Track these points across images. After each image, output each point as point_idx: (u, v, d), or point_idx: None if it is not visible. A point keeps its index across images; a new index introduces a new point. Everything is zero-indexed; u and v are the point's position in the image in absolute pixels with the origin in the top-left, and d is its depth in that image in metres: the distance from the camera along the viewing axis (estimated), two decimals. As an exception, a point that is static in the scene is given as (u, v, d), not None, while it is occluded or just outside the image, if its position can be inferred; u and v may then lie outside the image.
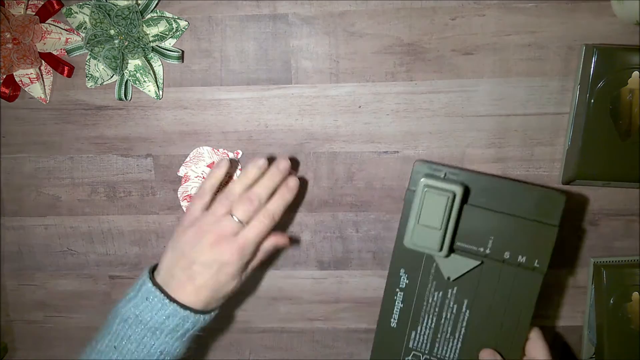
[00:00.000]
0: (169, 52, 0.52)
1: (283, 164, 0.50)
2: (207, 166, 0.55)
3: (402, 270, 0.50)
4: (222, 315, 0.61)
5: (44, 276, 0.61)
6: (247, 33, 0.52)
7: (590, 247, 0.56)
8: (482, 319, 0.49)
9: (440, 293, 0.49)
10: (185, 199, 0.57)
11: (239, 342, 0.62)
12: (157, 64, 0.53)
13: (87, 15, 0.50)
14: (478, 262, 0.47)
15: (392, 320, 0.51)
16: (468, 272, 0.48)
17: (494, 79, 0.52)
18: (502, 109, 0.53)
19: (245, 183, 0.49)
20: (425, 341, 0.51)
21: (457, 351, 0.50)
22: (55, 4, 0.51)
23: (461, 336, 0.50)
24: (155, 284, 0.47)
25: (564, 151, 0.53)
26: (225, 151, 0.55)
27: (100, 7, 0.49)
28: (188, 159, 0.56)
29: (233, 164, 0.53)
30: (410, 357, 0.51)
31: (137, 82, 0.53)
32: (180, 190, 0.57)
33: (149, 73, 0.52)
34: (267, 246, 0.51)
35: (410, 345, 0.51)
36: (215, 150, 0.55)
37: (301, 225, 0.58)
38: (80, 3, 0.50)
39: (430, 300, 0.49)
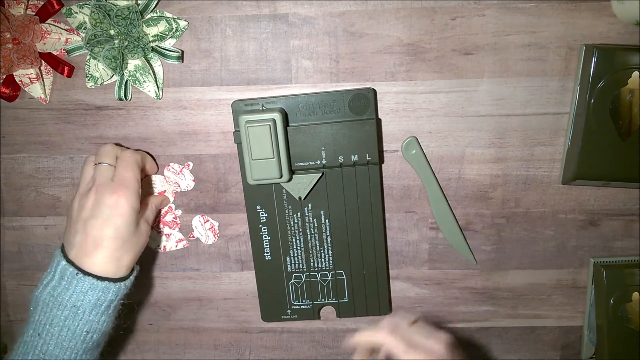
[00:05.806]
0: (168, 52, 0.52)
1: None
2: (158, 193, 0.56)
3: (258, 207, 0.53)
4: (222, 314, 0.61)
5: (44, 276, 0.61)
6: (247, 33, 0.52)
7: (590, 247, 0.56)
8: (341, 222, 0.54)
9: (299, 214, 0.53)
10: None
11: (239, 342, 0.62)
12: (157, 64, 0.53)
13: (87, 15, 0.50)
14: (319, 174, 0.52)
15: (265, 254, 0.55)
16: (314, 186, 0.52)
17: (494, 79, 0.52)
18: (502, 109, 0.53)
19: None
20: (300, 261, 0.55)
21: (331, 259, 0.55)
22: (55, 4, 0.51)
23: (329, 244, 0.54)
24: (68, 260, 0.46)
25: (564, 151, 0.53)
26: (176, 181, 0.56)
27: (100, 7, 0.49)
28: None
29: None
30: (293, 281, 0.56)
31: (137, 82, 0.53)
32: None
33: (149, 73, 0.52)
34: (156, 201, 0.54)
35: (289, 270, 0.55)
36: (167, 179, 0.56)
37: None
38: (80, 3, 0.50)
39: (292, 224, 0.54)
